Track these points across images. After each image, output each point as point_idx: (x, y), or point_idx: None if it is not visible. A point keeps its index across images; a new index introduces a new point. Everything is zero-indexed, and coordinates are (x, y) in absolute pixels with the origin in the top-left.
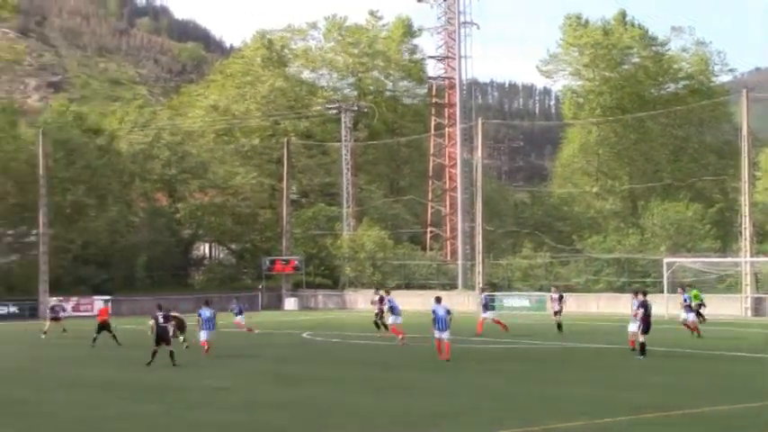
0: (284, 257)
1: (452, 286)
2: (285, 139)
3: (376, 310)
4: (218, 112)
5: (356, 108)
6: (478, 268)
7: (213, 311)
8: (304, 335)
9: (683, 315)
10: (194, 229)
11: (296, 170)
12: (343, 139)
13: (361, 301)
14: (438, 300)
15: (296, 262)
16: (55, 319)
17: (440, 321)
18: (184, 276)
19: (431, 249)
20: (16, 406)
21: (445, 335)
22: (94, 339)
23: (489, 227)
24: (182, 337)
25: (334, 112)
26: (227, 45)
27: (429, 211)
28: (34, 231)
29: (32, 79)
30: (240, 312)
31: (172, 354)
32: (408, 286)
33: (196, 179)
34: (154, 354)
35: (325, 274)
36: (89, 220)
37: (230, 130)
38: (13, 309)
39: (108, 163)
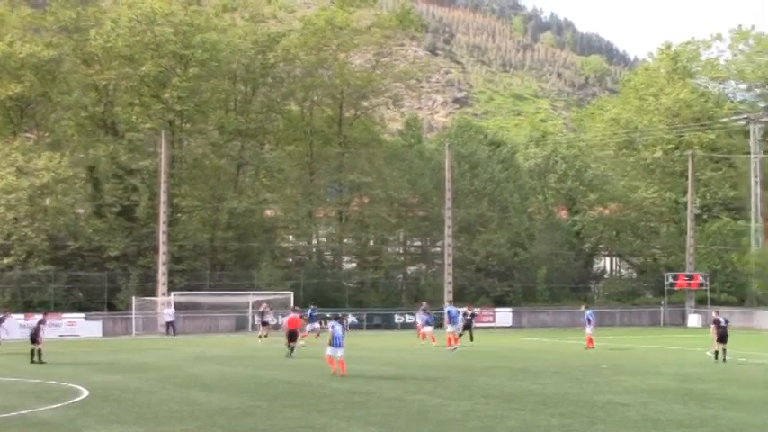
0: (688, 273)
1: None
2: (689, 152)
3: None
4: (620, 124)
5: (766, 119)
6: None
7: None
8: (708, 353)
9: None
10: (594, 243)
11: (700, 183)
12: (752, 151)
13: None
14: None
15: (700, 278)
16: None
17: None
18: (584, 290)
19: None
20: (430, 412)
21: None
22: (291, 350)
23: None
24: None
25: (742, 123)
26: (631, 58)
27: None
28: (439, 243)
29: (440, 96)
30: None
31: (39, 352)
32: None
33: (595, 192)
34: (32, 352)
35: (731, 291)
36: (491, 232)
37: (631, 143)
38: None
39: (509, 176)
